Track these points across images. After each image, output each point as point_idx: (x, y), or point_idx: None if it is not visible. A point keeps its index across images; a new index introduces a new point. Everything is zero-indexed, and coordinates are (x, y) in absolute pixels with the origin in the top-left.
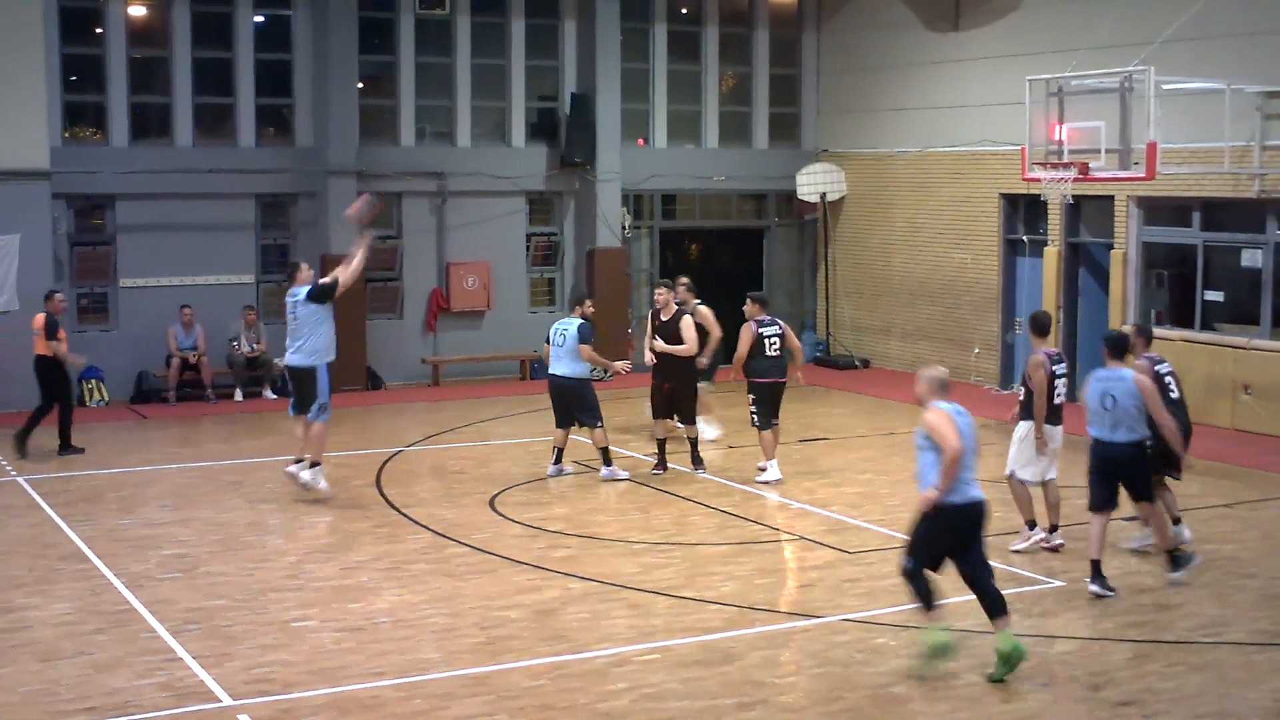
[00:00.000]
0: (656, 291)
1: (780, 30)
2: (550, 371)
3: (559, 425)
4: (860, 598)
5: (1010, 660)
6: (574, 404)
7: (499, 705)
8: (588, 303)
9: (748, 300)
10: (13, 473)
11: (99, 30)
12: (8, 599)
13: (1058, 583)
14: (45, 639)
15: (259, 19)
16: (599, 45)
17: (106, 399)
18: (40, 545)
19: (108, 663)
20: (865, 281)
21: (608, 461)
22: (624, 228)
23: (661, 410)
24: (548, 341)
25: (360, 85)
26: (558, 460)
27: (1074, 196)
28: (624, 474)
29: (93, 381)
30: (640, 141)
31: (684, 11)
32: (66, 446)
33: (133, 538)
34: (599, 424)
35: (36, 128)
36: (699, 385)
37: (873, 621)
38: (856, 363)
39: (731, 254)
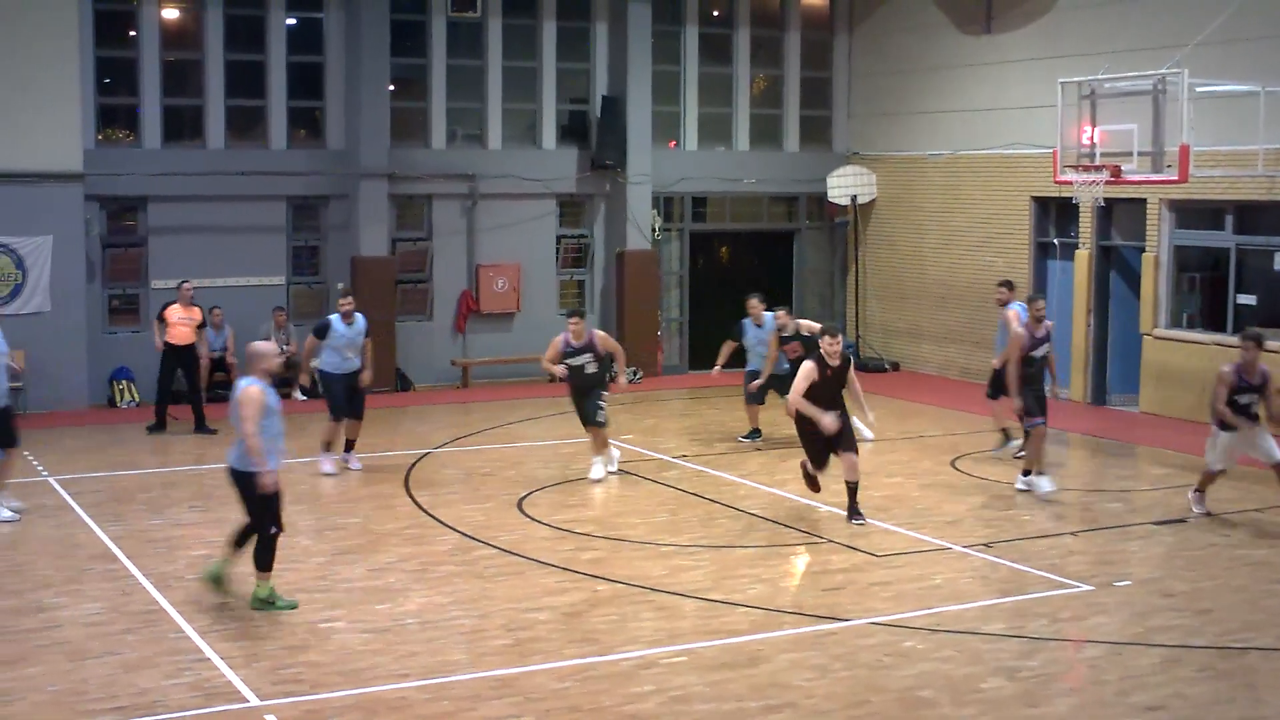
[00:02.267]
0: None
1: (812, 33)
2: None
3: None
4: (888, 601)
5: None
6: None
7: (526, 707)
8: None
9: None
10: (44, 473)
11: (132, 33)
12: (38, 598)
13: (1086, 587)
14: (75, 638)
15: (291, 21)
16: (630, 47)
17: (137, 399)
18: (70, 545)
19: (136, 662)
20: (895, 284)
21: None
22: (654, 230)
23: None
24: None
25: (391, 88)
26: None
27: (1105, 199)
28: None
29: (124, 382)
30: (671, 144)
31: (715, 14)
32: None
33: (162, 538)
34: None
35: (70, 130)
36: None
37: (900, 625)
38: (886, 365)
39: (761, 257)
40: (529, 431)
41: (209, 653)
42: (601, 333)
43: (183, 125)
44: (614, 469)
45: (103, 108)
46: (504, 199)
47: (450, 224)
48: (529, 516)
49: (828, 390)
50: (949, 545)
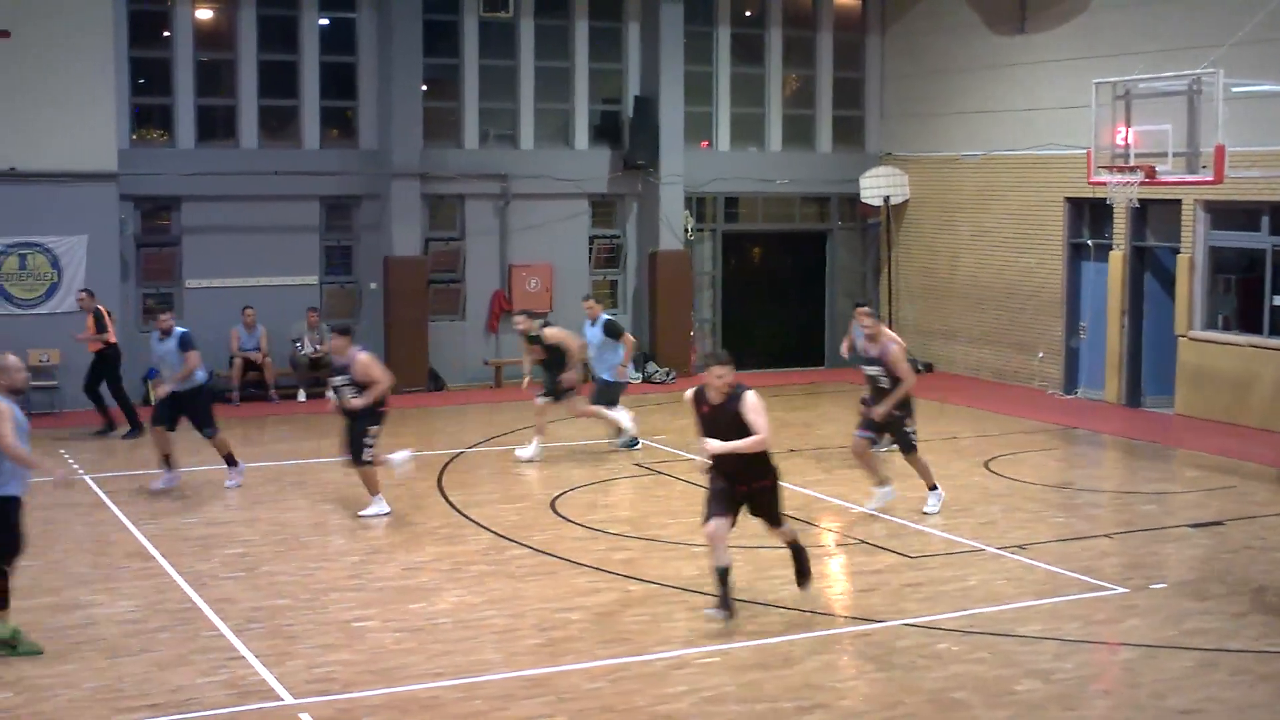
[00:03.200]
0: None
1: (844, 33)
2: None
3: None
4: (921, 602)
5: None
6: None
7: (558, 707)
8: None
9: None
10: (80, 471)
11: (166, 33)
12: (74, 596)
13: (1120, 589)
14: (110, 636)
15: (324, 22)
16: (662, 48)
17: None
18: (105, 543)
19: (171, 660)
20: (928, 285)
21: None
22: (686, 231)
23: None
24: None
25: (424, 88)
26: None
27: (1140, 200)
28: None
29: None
30: (704, 144)
31: (748, 14)
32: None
33: (196, 536)
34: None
35: (105, 130)
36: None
37: (934, 626)
38: (919, 367)
39: (794, 257)
40: (562, 432)
41: (243, 651)
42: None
43: (216, 125)
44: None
45: (137, 108)
46: (536, 199)
47: (483, 224)
48: (562, 516)
49: (712, 432)
50: (983, 547)
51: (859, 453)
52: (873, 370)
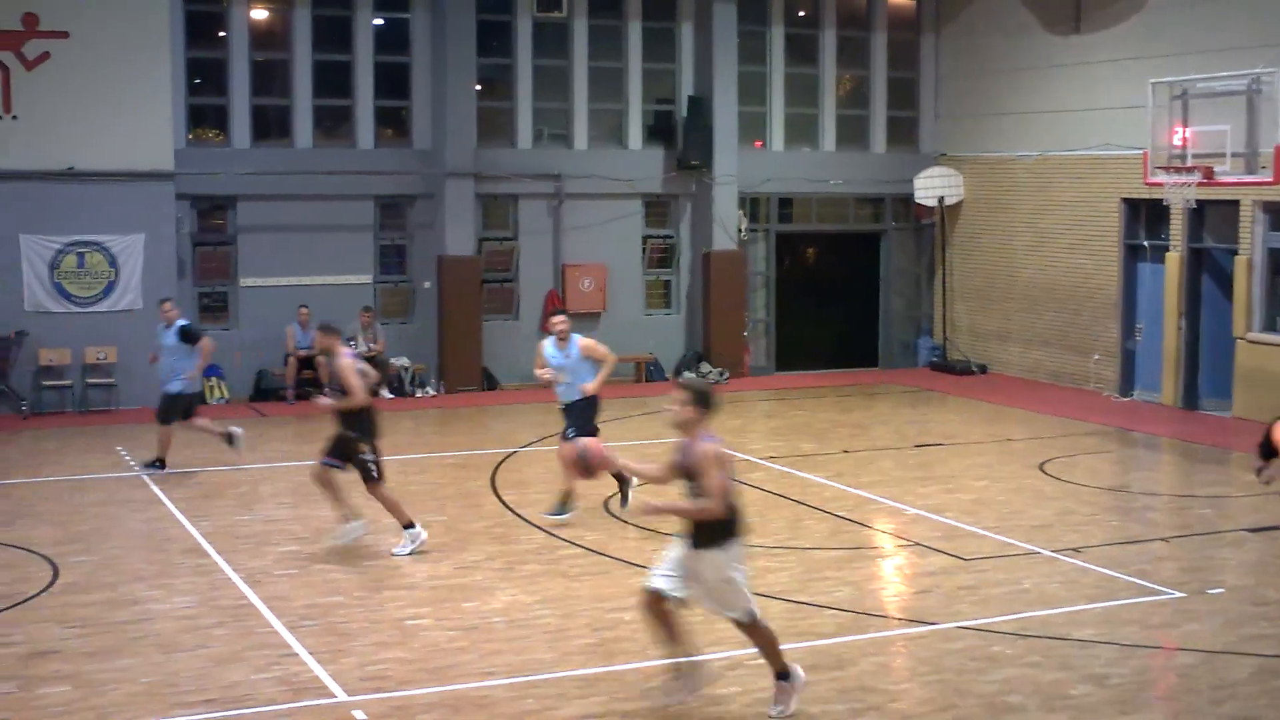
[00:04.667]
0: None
1: (899, 33)
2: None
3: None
4: (975, 605)
5: None
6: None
7: (610, 707)
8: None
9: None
10: (136, 467)
11: (222, 34)
12: (131, 591)
13: (1177, 594)
14: (166, 631)
15: (378, 21)
16: (716, 48)
17: (227, 396)
18: (161, 539)
19: (226, 656)
20: (983, 286)
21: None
22: (740, 231)
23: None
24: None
25: (477, 87)
26: None
27: (1197, 201)
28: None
29: (213, 379)
30: (757, 144)
31: (801, 14)
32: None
33: (251, 534)
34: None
35: (161, 130)
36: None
37: (988, 629)
38: (973, 368)
39: (847, 258)
40: (614, 432)
41: (297, 648)
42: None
43: (271, 125)
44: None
45: (193, 107)
46: (590, 199)
47: (536, 223)
48: (614, 516)
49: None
50: (1037, 550)
51: (322, 482)
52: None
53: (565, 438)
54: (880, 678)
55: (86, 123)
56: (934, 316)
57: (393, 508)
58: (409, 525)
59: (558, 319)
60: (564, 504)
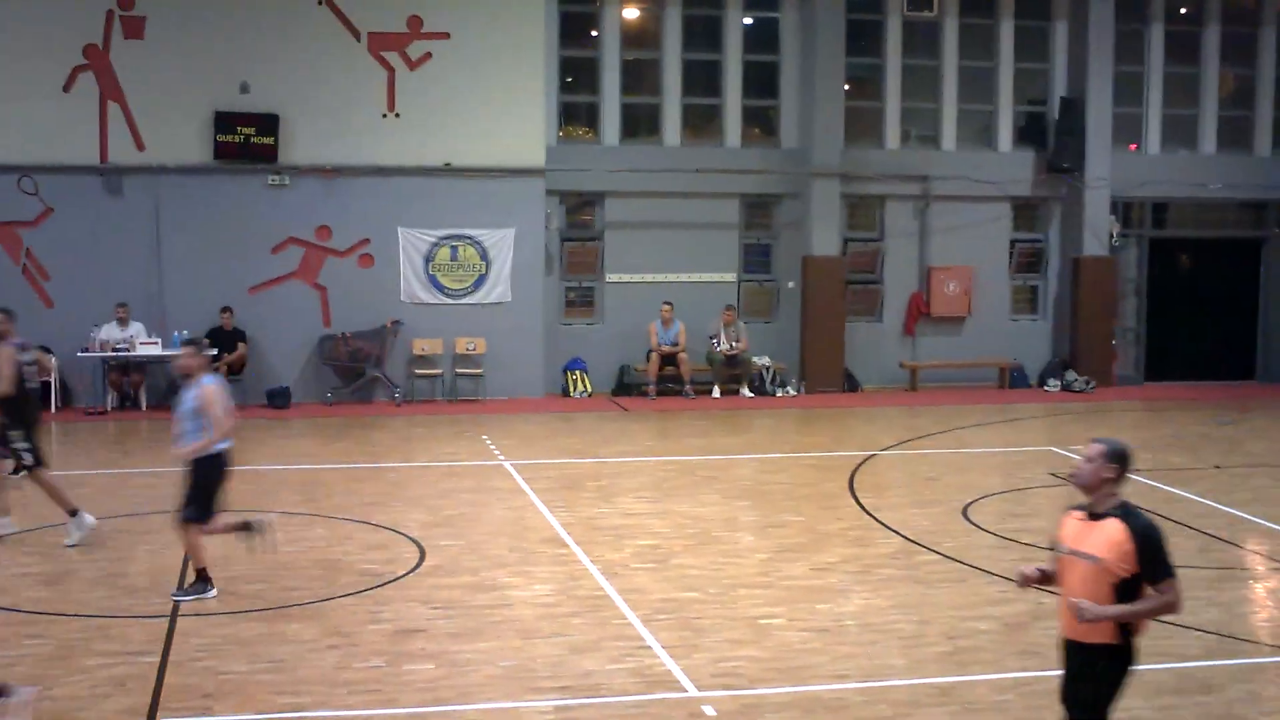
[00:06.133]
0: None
1: None
2: None
3: None
4: None
5: None
6: None
7: (964, 717)
8: None
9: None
10: (500, 457)
11: (594, 33)
12: (493, 576)
13: None
14: (525, 618)
15: (748, 21)
16: (1091, 47)
17: (590, 390)
18: (522, 528)
19: (582, 645)
20: None
21: None
22: (1111, 236)
23: None
24: None
25: (846, 87)
26: None
27: None
28: None
29: (577, 373)
30: (1132, 146)
31: (1183, 10)
32: None
33: (609, 526)
34: None
35: (535, 127)
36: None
37: None
38: None
39: (1224, 266)
40: (977, 437)
41: (650, 641)
42: None
43: (640, 123)
44: None
45: (565, 105)
46: (956, 201)
47: (902, 225)
48: (974, 524)
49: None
50: None
51: None
52: None
53: None
54: (1250, 706)
55: (463, 120)
56: None
57: (55, 494)
58: (73, 513)
59: None
60: None
